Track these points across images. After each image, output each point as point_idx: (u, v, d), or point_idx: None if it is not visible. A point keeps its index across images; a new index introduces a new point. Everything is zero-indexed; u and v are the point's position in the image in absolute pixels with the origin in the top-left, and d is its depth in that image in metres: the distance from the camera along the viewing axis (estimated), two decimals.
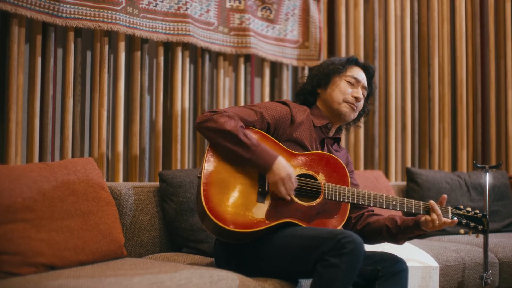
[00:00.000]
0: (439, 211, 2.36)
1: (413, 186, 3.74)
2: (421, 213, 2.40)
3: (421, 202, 2.41)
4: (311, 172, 2.39)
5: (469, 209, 2.48)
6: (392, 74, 4.22)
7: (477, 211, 2.48)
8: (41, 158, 2.79)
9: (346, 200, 2.37)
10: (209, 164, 2.28)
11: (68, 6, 2.77)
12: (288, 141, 2.44)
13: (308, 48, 3.80)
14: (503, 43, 4.47)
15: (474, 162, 3.27)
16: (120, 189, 2.66)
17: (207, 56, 3.40)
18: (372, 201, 2.39)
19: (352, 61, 2.63)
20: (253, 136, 2.31)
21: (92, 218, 2.26)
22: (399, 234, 2.44)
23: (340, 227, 2.35)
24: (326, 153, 2.46)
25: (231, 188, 2.26)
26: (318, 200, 2.34)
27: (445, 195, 2.42)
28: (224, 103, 3.46)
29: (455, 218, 2.39)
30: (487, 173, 3.06)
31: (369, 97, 2.74)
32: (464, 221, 2.44)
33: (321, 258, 2.09)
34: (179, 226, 2.71)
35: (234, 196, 2.25)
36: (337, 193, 2.35)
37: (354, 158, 4.09)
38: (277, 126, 2.44)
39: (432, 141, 4.33)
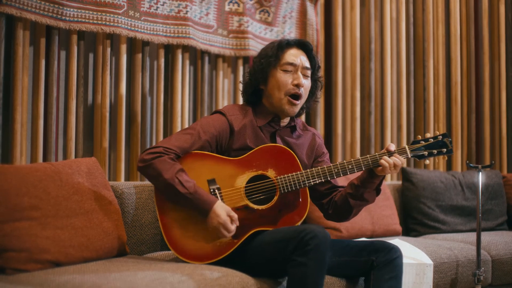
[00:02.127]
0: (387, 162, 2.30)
1: (408, 186, 3.77)
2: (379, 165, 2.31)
3: (376, 153, 2.32)
4: (260, 172, 2.35)
5: (428, 135, 2.37)
6: (388, 75, 4.25)
7: (437, 133, 2.37)
8: (45, 158, 2.82)
9: (302, 186, 2.32)
10: (162, 206, 2.30)
11: (71, 9, 2.81)
12: (233, 150, 2.40)
13: None
14: (497, 45, 4.51)
15: (467, 162, 3.31)
16: (122, 188, 2.67)
17: (206, 58, 3.44)
18: (328, 175, 2.33)
19: (283, 46, 2.47)
20: (190, 181, 2.24)
21: (96, 216, 2.29)
22: (362, 192, 2.37)
23: (306, 213, 2.32)
24: (267, 145, 2.40)
25: (190, 222, 2.27)
26: (275, 198, 2.32)
27: (390, 143, 2.36)
28: (223, 104, 3.50)
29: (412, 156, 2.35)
30: (480, 173, 3.10)
31: (318, 71, 2.56)
32: (425, 153, 2.35)
33: (289, 258, 2.09)
34: None
35: (196, 229, 2.27)
36: (291, 183, 2.31)
37: (350, 158, 4.10)
38: (218, 141, 2.40)
39: None
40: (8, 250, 2.00)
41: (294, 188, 2.32)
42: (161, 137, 3.23)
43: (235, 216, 2.24)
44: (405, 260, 2.59)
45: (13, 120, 2.71)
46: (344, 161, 2.34)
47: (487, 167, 3.17)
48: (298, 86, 2.43)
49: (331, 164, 2.35)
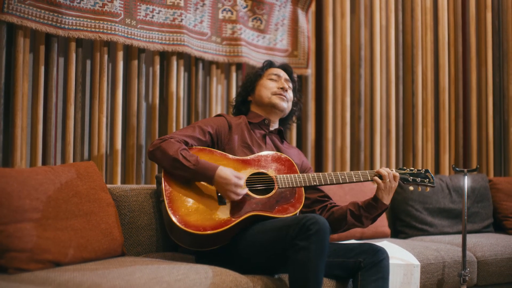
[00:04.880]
0: (386, 171, 2.52)
1: (397, 189, 3.76)
2: (370, 179, 2.53)
3: (367, 171, 2.55)
4: (261, 170, 2.54)
5: (412, 168, 2.65)
6: (377, 81, 4.29)
7: (420, 168, 2.64)
8: (44, 162, 2.86)
9: (299, 185, 2.50)
10: (168, 187, 2.43)
11: (70, 18, 2.87)
12: (231, 145, 2.61)
13: (297, 57, 3.90)
14: (484, 51, 4.56)
15: (453, 165, 3.35)
16: (119, 191, 2.70)
17: (200, 65, 3.49)
18: (322, 180, 2.52)
19: (268, 65, 2.93)
20: (193, 155, 2.43)
21: (94, 218, 2.34)
22: (362, 214, 2.56)
23: (300, 208, 2.47)
24: (270, 152, 2.63)
25: (193, 200, 2.41)
26: (274, 191, 2.47)
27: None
28: (217, 109, 3.55)
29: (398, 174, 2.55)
30: (466, 176, 3.15)
31: (297, 92, 2.95)
32: (410, 178, 2.58)
33: (291, 243, 2.17)
34: None
35: (198, 206, 2.40)
36: (289, 181, 2.49)
37: (340, 162, 4.16)
38: (218, 134, 2.65)
39: (415, 145, 4.39)
40: (11, 250, 2.04)
41: (291, 185, 2.49)
42: None
43: (241, 175, 2.41)
44: (393, 261, 2.64)
45: (14, 125, 2.76)
46: (338, 172, 2.56)
47: (473, 171, 3.22)
48: (283, 89, 2.80)
49: (325, 173, 2.54)
